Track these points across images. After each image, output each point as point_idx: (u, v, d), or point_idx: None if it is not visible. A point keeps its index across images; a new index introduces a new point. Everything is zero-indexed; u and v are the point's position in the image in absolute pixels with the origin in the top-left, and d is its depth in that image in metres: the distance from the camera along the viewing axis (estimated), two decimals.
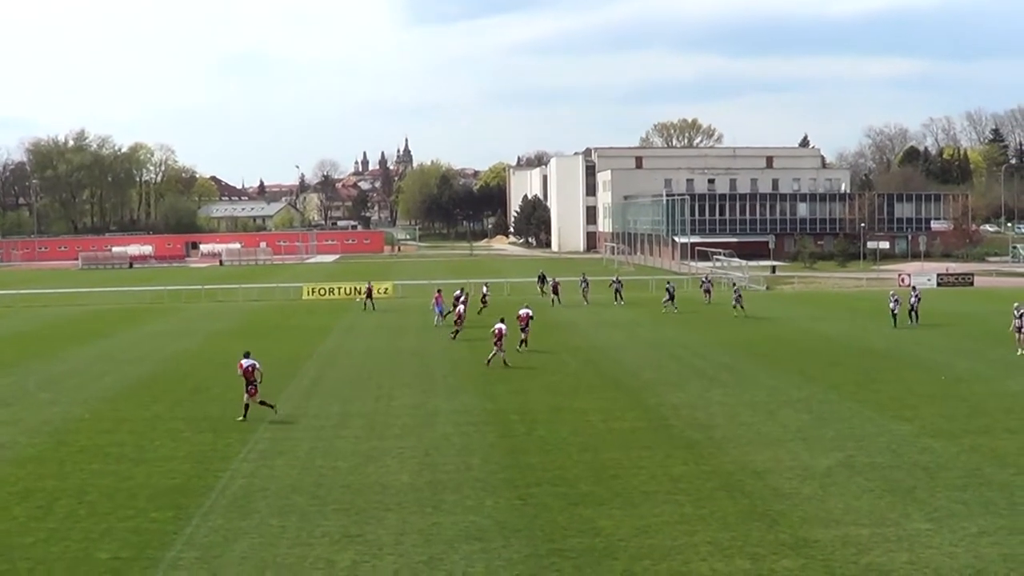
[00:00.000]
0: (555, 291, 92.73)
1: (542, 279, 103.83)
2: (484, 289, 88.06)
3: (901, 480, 31.38)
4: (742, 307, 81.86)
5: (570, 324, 76.63)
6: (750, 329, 71.89)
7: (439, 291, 78.01)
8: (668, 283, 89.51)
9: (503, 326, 55.65)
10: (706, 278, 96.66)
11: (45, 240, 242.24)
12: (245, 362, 42.89)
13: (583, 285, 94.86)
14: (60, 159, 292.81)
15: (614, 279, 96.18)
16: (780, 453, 35.10)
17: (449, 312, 72.90)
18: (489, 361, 55.27)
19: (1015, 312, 58.09)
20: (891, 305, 71.76)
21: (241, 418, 42.03)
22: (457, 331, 66.82)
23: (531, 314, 63.10)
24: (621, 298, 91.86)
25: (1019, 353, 56.00)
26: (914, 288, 77.64)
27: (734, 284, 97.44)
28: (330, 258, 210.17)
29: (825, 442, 36.65)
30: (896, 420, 40.31)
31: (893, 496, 29.69)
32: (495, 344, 55.09)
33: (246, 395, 42.47)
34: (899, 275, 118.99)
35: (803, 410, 42.64)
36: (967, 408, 42.80)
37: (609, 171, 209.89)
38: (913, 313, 72.64)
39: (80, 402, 47.19)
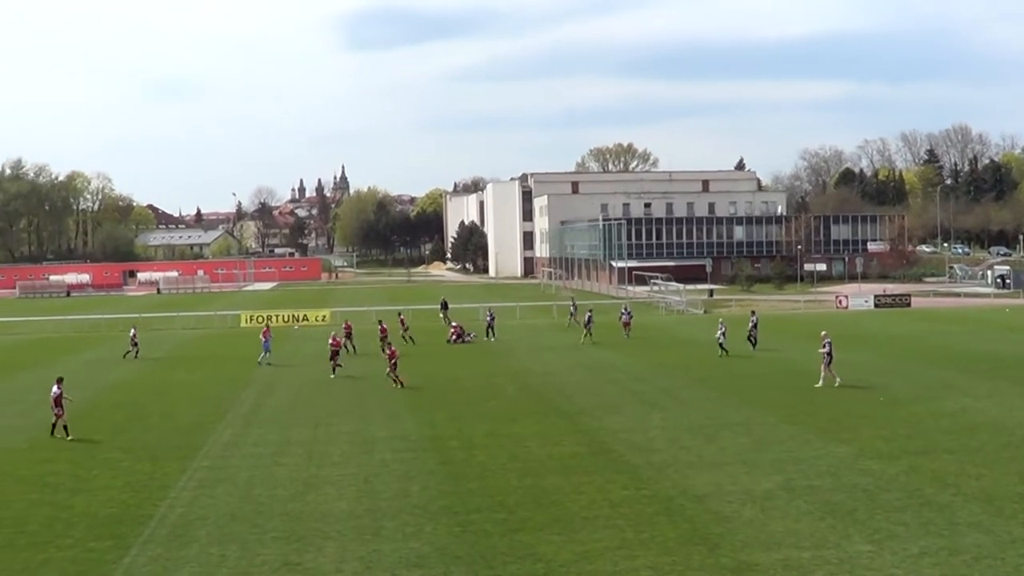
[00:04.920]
0: (588, 323, 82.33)
1: (444, 306, 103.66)
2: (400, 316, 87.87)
3: (841, 502, 31.44)
4: (590, 333, 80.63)
5: (507, 349, 76.66)
6: (688, 352, 71.92)
7: (268, 326, 77.13)
8: (588, 310, 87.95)
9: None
10: (625, 309, 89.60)
11: None
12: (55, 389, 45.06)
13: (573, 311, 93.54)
14: None
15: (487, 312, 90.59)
16: (720, 477, 35.11)
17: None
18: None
19: (823, 343, 55.81)
20: (718, 334, 69.96)
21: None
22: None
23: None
24: (493, 333, 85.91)
25: (818, 385, 54.54)
26: (753, 313, 77.25)
27: (589, 310, 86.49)
28: (268, 285, 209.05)
29: (765, 465, 36.70)
30: (835, 442, 40.40)
31: (833, 518, 29.75)
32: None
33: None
34: (836, 296, 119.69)
35: (742, 433, 42.69)
36: (905, 429, 42.95)
37: (546, 196, 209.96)
38: (751, 339, 72.38)
39: (18, 431, 46.80)
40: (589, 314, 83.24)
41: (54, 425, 44.44)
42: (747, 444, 40.55)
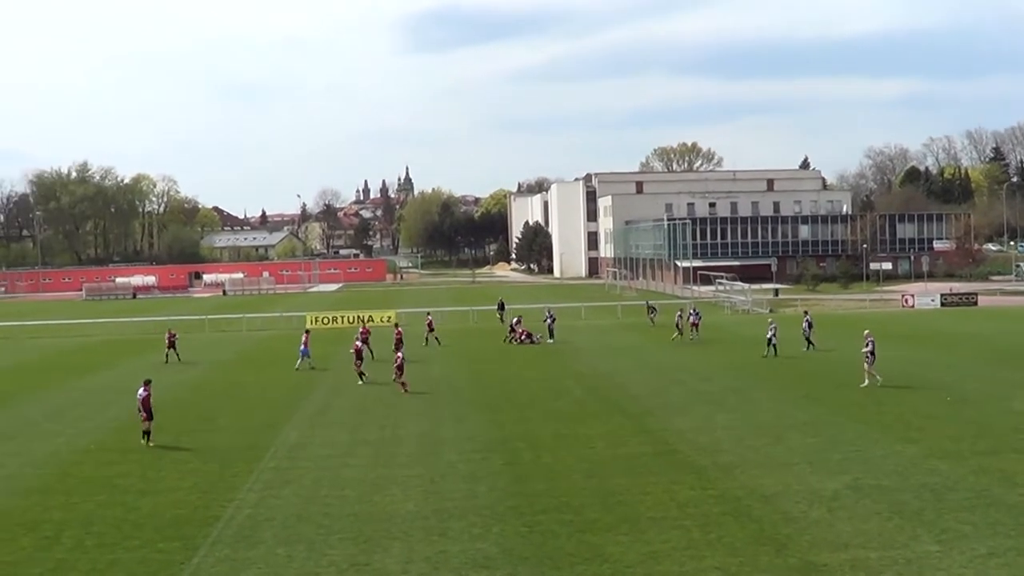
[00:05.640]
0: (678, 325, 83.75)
1: (501, 307, 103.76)
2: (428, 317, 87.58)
3: (909, 502, 31.30)
4: (697, 330, 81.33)
5: (573, 350, 76.61)
6: (753, 352, 71.29)
7: (308, 331, 76.80)
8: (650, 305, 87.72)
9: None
10: (694, 310, 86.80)
11: (49, 271, 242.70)
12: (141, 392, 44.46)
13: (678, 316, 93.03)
14: (63, 191, 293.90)
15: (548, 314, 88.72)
16: (787, 477, 35.01)
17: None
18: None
19: (865, 341, 55.63)
20: (769, 334, 69.64)
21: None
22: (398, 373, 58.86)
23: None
24: (552, 334, 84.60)
25: (864, 384, 54.44)
26: (806, 313, 76.84)
27: (693, 308, 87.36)
28: (333, 287, 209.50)
29: (832, 465, 36.56)
30: (902, 442, 40.20)
31: (901, 518, 29.62)
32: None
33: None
34: (902, 295, 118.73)
35: (809, 433, 42.53)
36: (974, 429, 42.64)
37: (610, 196, 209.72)
38: (808, 341, 72.10)
39: (85, 433, 47.24)
40: (692, 312, 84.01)
41: (146, 432, 44.01)
42: (814, 444, 40.39)
